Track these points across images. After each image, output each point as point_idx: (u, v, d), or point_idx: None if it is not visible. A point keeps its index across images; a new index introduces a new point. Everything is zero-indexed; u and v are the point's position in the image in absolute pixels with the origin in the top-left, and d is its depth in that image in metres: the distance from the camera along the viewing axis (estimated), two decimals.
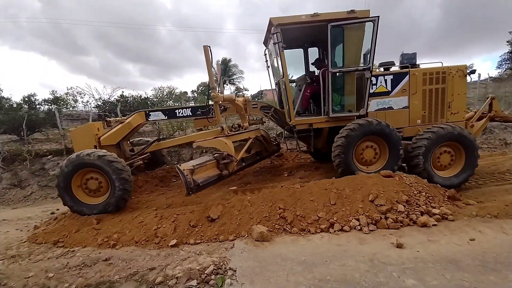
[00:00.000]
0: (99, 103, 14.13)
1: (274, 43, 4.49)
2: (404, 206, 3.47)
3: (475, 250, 2.71)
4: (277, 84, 5.51)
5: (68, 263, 3.02)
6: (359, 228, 3.28)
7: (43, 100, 15.60)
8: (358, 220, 3.36)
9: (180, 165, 3.96)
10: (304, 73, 5.83)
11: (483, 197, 4.06)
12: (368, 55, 4.50)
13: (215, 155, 4.29)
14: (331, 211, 3.53)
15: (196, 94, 40.49)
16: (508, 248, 2.69)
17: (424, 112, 4.95)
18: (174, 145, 5.91)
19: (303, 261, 2.70)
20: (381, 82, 4.83)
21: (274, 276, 2.48)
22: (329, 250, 2.88)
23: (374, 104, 4.84)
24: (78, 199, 4.24)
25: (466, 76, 5.02)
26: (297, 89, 5.46)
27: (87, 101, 17.16)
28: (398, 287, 2.24)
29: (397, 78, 4.85)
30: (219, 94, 4.42)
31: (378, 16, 4.30)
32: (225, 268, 2.62)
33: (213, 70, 4.57)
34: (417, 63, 4.99)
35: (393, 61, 5.00)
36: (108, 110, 12.76)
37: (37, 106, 14.26)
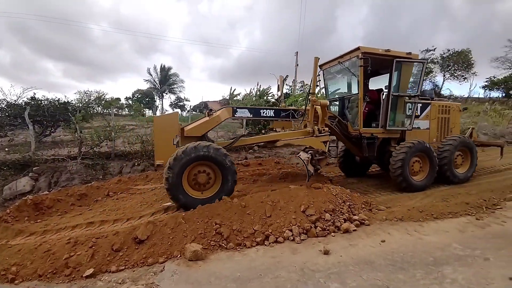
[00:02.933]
0: (3, 106, 11.60)
1: (360, 66, 5.32)
2: (331, 214, 3.79)
3: (386, 250, 3.12)
4: (340, 99, 6.49)
5: None
6: (292, 238, 3.43)
7: None
8: (291, 230, 3.51)
9: (300, 155, 4.59)
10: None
11: (391, 203, 4.77)
12: (417, 86, 5.87)
13: (310, 151, 4.76)
14: (267, 223, 3.61)
15: (130, 101, 37.31)
16: (412, 248, 3.14)
17: (438, 133, 6.52)
18: (258, 142, 5.98)
19: (237, 277, 2.66)
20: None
21: None
22: (264, 263, 2.91)
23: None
24: (186, 192, 4.14)
25: (460, 111, 6.97)
26: (354, 105, 6.23)
27: None
28: None
29: (424, 106, 6.31)
30: (317, 99, 5.04)
31: (426, 60, 6.31)
32: None
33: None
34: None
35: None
36: (13, 115, 10.58)
37: None
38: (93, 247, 3.12)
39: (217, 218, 3.59)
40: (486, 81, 30.90)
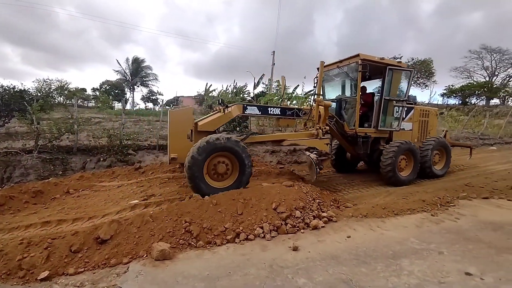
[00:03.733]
0: None
1: (359, 71, 5.74)
2: (301, 212, 3.88)
3: (351, 245, 3.26)
4: (337, 101, 6.82)
5: None
6: (263, 235, 3.45)
7: None
8: (262, 228, 3.53)
9: (310, 155, 5.02)
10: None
11: (357, 200, 5.00)
12: (405, 91, 6.48)
13: (315, 152, 5.15)
14: (238, 221, 3.59)
15: (98, 93, 35.04)
16: (374, 243, 3.32)
17: (419, 134, 7.20)
18: (267, 140, 6.04)
19: (206, 276, 2.61)
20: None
21: None
22: (233, 261, 2.89)
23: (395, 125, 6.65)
24: (206, 180, 4.39)
25: (437, 115, 7.80)
26: (350, 106, 6.64)
27: None
28: (292, 287, 2.44)
29: (408, 110, 6.90)
30: (322, 100, 5.37)
31: (414, 69, 6.92)
32: None
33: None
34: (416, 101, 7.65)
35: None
36: None
37: None
38: (49, 248, 2.89)
39: (187, 216, 3.50)
40: (444, 89, 33.81)
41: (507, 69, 33.30)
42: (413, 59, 30.52)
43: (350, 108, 6.48)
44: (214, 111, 5.44)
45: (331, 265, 2.80)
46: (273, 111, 5.56)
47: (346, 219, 4.01)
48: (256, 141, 5.87)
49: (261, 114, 5.55)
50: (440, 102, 33.41)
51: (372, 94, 6.79)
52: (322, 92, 7.32)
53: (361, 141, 6.26)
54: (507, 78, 33.36)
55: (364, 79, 6.33)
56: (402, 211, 4.27)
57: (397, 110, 6.49)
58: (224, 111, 5.01)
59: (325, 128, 5.54)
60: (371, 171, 7.68)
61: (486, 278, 2.55)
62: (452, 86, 33.15)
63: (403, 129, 6.81)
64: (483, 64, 34.36)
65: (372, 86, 7.13)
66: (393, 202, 4.64)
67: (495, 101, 32.44)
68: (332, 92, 7.29)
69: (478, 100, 32.04)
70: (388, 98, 6.23)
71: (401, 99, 6.45)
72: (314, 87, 6.43)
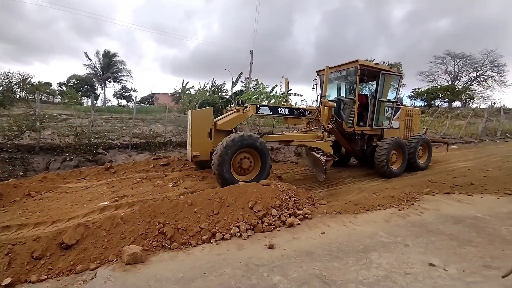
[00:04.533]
0: None
1: (358, 75, 6.31)
2: (277, 210, 3.92)
3: (324, 241, 3.35)
4: (337, 101, 7.23)
5: None
6: (239, 234, 3.44)
7: None
8: (238, 227, 3.52)
9: (320, 157, 5.30)
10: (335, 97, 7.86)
11: (331, 197, 5.17)
12: (395, 93, 7.23)
13: (320, 153, 5.47)
14: (214, 221, 3.55)
15: (64, 88, 32.81)
16: (346, 238, 3.44)
17: (404, 132, 7.94)
18: (277, 140, 6.24)
19: (180, 278, 2.55)
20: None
21: None
22: (209, 261, 2.85)
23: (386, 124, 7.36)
24: (232, 173, 4.82)
25: (419, 115, 8.74)
26: (347, 106, 7.20)
27: None
28: (267, 285, 2.46)
29: (396, 110, 7.54)
30: (327, 101, 5.79)
31: (403, 74, 7.72)
32: None
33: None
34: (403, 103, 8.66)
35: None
36: None
37: None
38: (10, 254, 2.69)
39: (160, 217, 3.39)
40: (412, 92, 35.85)
41: (469, 73, 36.14)
42: (384, 63, 32.07)
43: (348, 108, 7.08)
44: (227, 111, 5.84)
45: (306, 261, 2.86)
46: (282, 111, 5.97)
47: (320, 216, 4.12)
48: (268, 141, 6.00)
49: (272, 114, 5.88)
50: (408, 104, 35.48)
51: (366, 95, 7.31)
52: (321, 93, 7.81)
53: (358, 138, 6.84)
54: (469, 82, 36.21)
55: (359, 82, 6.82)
56: (372, 207, 4.47)
57: (387, 110, 7.15)
58: (243, 110, 5.35)
59: (328, 126, 5.93)
60: (348, 168, 8.00)
61: (449, 269, 2.70)
62: (419, 89, 35.32)
63: (392, 127, 7.47)
64: (446, 68, 36.96)
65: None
66: (364, 199, 4.84)
67: (456, 103, 35.08)
68: (330, 94, 7.74)
69: (441, 103, 34.40)
70: (381, 99, 6.82)
71: (392, 100, 7.09)
72: (313, 89, 7.09)
